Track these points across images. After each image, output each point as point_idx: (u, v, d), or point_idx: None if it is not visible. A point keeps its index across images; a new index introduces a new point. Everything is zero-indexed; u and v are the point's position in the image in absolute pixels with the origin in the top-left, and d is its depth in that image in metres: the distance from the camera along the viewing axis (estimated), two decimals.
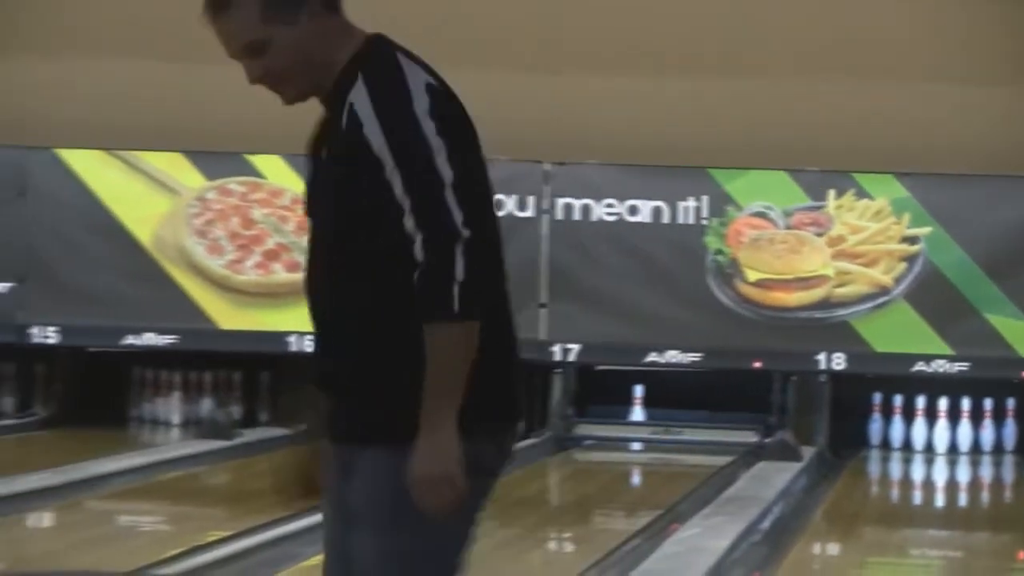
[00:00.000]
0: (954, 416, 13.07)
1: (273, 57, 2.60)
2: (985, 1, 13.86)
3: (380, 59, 2.68)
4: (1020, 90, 13.49)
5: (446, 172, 2.52)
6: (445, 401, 2.50)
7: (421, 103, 2.56)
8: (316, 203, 2.85)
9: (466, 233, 2.52)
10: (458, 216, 2.52)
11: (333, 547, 2.94)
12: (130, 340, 13.61)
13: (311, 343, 3.04)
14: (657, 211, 13.09)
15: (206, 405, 13.96)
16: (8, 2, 14.72)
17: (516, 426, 2.81)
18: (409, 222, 2.57)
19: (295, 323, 13.01)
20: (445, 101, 2.63)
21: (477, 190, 2.62)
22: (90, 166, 13.68)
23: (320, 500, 2.95)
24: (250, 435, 13.35)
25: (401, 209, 2.56)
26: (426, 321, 2.50)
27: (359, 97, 2.59)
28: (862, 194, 12.86)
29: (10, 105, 14.30)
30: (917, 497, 13.11)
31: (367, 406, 2.67)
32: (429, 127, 2.53)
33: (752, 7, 13.88)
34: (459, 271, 2.48)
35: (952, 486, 13.01)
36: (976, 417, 13.06)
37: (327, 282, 2.79)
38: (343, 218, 2.72)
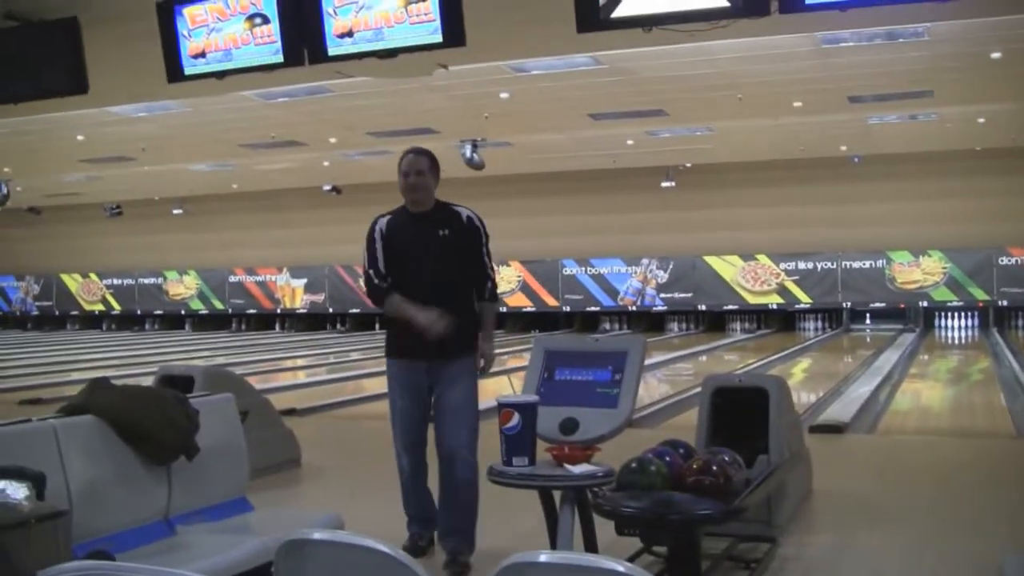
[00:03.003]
0: (948, 319, 23.89)
1: (426, 182, 5.13)
2: None
3: (452, 205, 5.23)
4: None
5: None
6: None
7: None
8: (444, 252, 5.14)
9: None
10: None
11: (415, 415, 5.11)
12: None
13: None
14: (875, 263, 24.04)
15: None
16: None
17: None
18: (488, 261, 5.25)
19: (766, 300, 24.24)
20: None
21: None
22: None
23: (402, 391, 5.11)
24: None
25: (486, 258, 5.22)
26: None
27: (469, 214, 5.19)
28: (927, 256, 23.58)
29: None
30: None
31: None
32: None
33: None
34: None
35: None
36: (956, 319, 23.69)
37: (453, 285, 5.14)
38: (465, 261, 5.17)
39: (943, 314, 23.94)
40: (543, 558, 2.12)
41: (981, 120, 17.96)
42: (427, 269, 5.06)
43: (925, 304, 23.68)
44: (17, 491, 2.55)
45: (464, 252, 5.13)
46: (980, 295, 23.01)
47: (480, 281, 5.19)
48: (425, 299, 5.01)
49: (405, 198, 5.20)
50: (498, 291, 5.33)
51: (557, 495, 4.12)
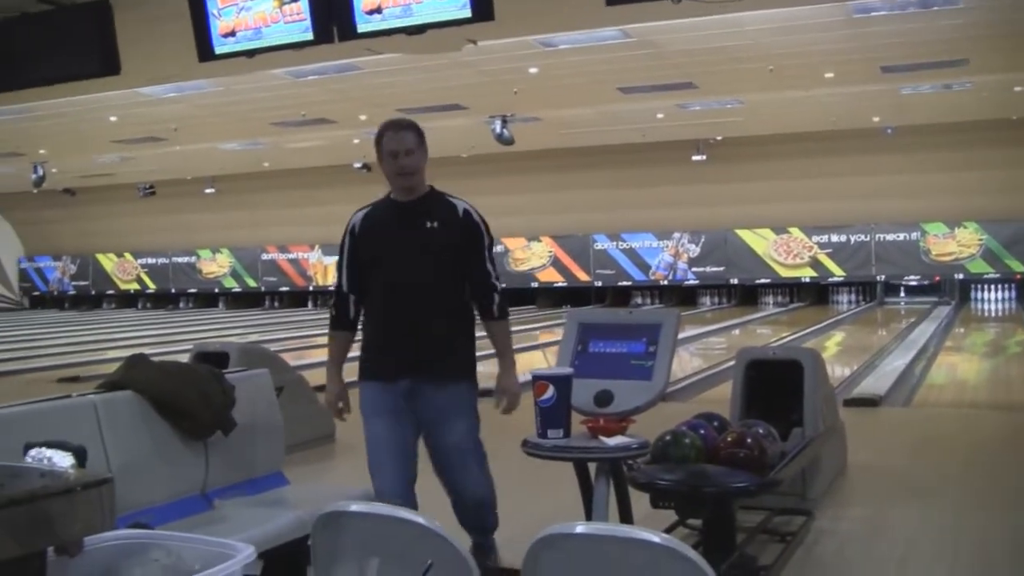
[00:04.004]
0: (984, 291, 23.70)
1: (418, 161, 4.16)
2: None
3: (448, 195, 4.30)
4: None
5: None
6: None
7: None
8: (429, 248, 4.18)
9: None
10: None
11: (397, 445, 4.19)
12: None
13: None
14: (909, 236, 23.83)
15: None
16: None
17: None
18: (492, 269, 4.25)
19: (799, 273, 24.17)
20: None
21: None
22: None
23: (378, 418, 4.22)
24: None
25: (488, 263, 4.24)
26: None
27: (466, 208, 4.24)
28: (962, 227, 23.35)
29: None
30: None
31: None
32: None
33: None
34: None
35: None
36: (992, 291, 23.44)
37: (439, 288, 4.21)
38: (458, 261, 4.22)
39: (979, 286, 23.74)
40: (579, 529, 2.15)
41: (1018, 88, 17.63)
42: (406, 268, 4.18)
43: (961, 276, 23.47)
44: (63, 459, 2.61)
45: (459, 250, 4.23)
46: (1017, 267, 22.75)
47: (482, 292, 4.29)
48: (403, 304, 4.20)
49: (393, 184, 4.29)
50: (507, 307, 4.40)
51: (592, 467, 4.06)
